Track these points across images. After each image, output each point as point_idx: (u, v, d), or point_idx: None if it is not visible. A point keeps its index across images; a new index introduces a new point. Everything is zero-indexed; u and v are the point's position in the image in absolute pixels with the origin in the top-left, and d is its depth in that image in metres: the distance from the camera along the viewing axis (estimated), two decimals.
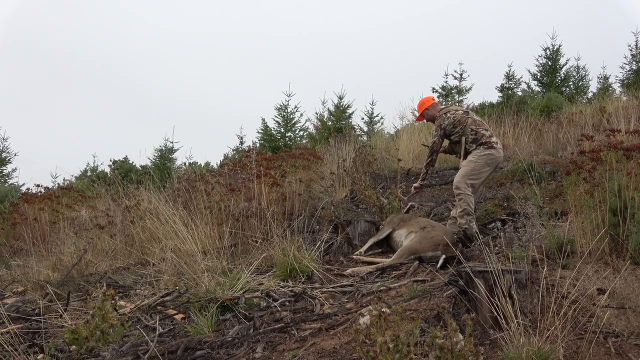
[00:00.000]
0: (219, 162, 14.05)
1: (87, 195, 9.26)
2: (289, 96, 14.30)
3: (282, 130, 14.36)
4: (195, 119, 39.10)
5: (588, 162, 3.74)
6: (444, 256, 4.37)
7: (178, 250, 4.36)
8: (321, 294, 3.83)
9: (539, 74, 14.95)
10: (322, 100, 14.93)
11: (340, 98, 14.56)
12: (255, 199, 5.54)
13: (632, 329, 2.54)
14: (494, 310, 2.49)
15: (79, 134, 34.16)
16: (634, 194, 3.49)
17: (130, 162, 14.26)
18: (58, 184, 12.80)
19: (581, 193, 3.69)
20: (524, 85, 15.02)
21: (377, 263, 4.63)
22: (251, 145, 12.80)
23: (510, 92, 14.41)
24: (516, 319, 2.38)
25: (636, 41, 14.47)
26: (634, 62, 14.55)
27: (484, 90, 29.24)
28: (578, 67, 15.00)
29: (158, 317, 3.64)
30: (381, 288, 3.83)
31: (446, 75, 14.06)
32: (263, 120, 14.35)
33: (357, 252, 5.10)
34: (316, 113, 14.87)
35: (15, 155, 14.87)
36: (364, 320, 2.00)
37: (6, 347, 2.98)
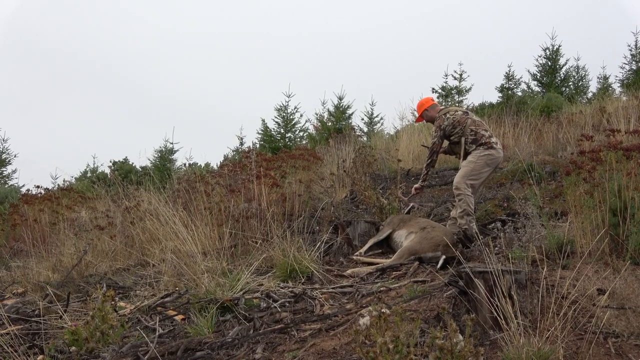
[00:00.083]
0: (218, 163, 14.06)
1: (87, 196, 9.26)
2: (288, 97, 14.33)
3: (282, 131, 14.36)
4: (195, 119, 39.14)
5: (588, 162, 3.74)
6: (444, 257, 4.37)
7: (178, 251, 4.36)
8: (321, 294, 3.83)
9: (538, 74, 14.96)
10: (322, 101, 14.96)
11: (340, 99, 14.58)
12: (255, 199, 5.54)
13: (632, 330, 2.54)
14: (493, 310, 2.49)
15: (79, 134, 34.20)
16: (634, 194, 3.49)
17: (130, 163, 14.28)
18: (58, 185, 12.82)
19: (581, 193, 3.69)
20: (523, 86, 15.05)
21: (377, 264, 4.63)
22: (251, 146, 12.82)
23: (510, 92, 14.42)
24: (516, 319, 2.38)
25: (636, 41, 14.50)
26: (633, 62, 14.56)
27: (483, 91, 29.33)
28: (578, 67, 15.03)
29: (158, 318, 3.63)
30: (381, 289, 3.83)
31: (446, 75, 14.07)
32: (263, 120, 14.38)
33: (357, 253, 5.10)
34: (316, 114, 14.90)
35: (15, 156, 14.89)
36: (364, 321, 2.00)
37: (6, 348, 2.98)
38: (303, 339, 2.99)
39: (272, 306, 3.63)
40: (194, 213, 5.14)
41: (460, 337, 1.92)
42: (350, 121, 14.29)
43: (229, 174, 6.78)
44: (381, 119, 15.57)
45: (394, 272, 4.39)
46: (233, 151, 15.15)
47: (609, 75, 15.40)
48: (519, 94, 14.46)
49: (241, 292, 3.77)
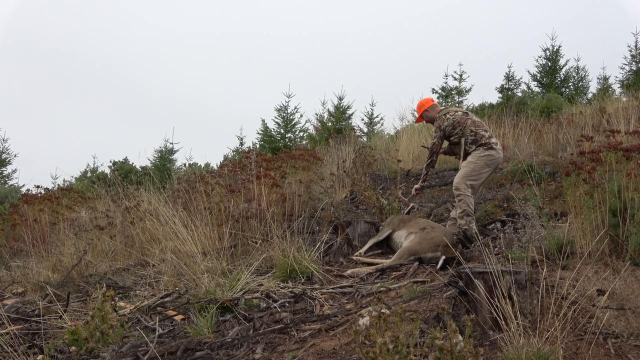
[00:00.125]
0: (218, 163, 14.06)
1: (87, 196, 9.25)
2: (288, 97, 14.33)
3: (282, 131, 14.37)
4: (195, 119, 39.16)
5: (588, 163, 3.74)
6: (443, 257, 4.37)
7: (178, 251, 4.36)
8: (321, 295, 3.83)
9: (538, 75, 14.97)
10: (322, 101, 14.96)
11: (340, 99, 14.58)
12: (255, 200, 5.54)
13: (631, 330, 2.54)
14: (493, 311, 2.49)
15: (79, 134, 34.21)
16: (634, 195, 3.49)
17: (130, 163, 14.29)
18: (58, 185, 12.82)
19: (581, 194, 3.69)
20: (523, 86, 15.07)
21: (377, 264, 4.63)
22: (251, 146, 12.82)
23: (510, 92, 14.43)
24: (516, 320, 2.38)
25: (636, 42, 14.51)
26: (633, 63, 14.56)
27: (483, 91, 29.33)
28: (578, 67, 15.04)
29: (158, 318, 3.63)
30: (381, 289, 3.83)
31: (446, 76, 14.08)
32: (263, 121, 14.38)
33: (356, 253, 5.10)
34: (316, 114, 14.91)
35: (15, 156, 14.87)
36: (364, 321, 2.00)
37: (6, 348, 2.98)
38: (303, 339, 3.00)
39: (272, 306, 3.63)
40: (194, 213, 5.14)
41: (460, 337, 1.92)
42: (350, 121, 14.31)
43: (229, 174, 6.78)
44: (381, 119, 15.60)
45: (393, 273, 4.39)
46: (233, 151, 15.16)
47: (609, 76, 15.44)
48: (519, 94, 14.47)
49: (241, 292, 3.77)
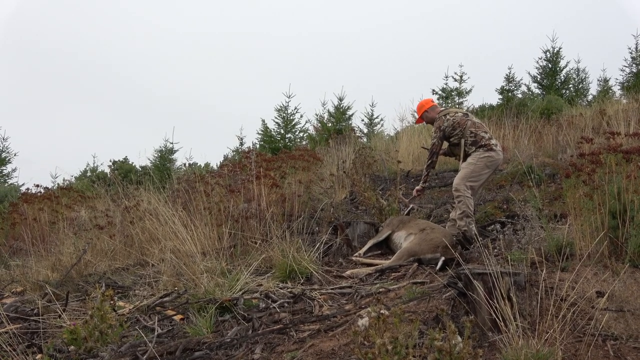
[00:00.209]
0: (218, 163, 14.06)
1: (86, 195, 9.25)
2: (289, 97, 14.33)
3: (282, 132, 14.37)
4: (195, 119, 39.17)
5: (588, 165, 3.74)
6: (443, 258, 4.37)
7: (177, 251, 4.36)
8: (320, 295, 3.83)
9: (539, 77, 14.98)
10: (322, 102, 14.97)
11: (340, 99, 14.59)
12: (255, 200, 5.54)
13: (630, 332, 2.54)
14: (492, 312, 2.49)
15: (78, 134, 34.22)
16: (634, 197, 3.49)
17: (130, 162, 14.28)
18: (58, 184, 12.82)
19: (580, 196, 3.69)
20: (524, 88, 15.09)
21: (377, 265, 4.63)
22: (251, 146, 12.81)
23: (510, 94, 14.44)
24: (515, 321, 2.38)
25: (636, 44, 14.51)
26: (634, 65, 14.57)
27: (484, 93, 29.37)
28: (578, 69, 15.05)
29: (157, 317, 3.63)
30: (380, 290, 3.83)
31: (446, 77, 14.09)
32: (263, 121, 14.38)
33: (356, 254, 5.10)
34: (316, 114, 14.91)
35: (15, 155, 14.88)
36: (363, 321, 2.00)
37: (5, 347, 2.98)
38: (302, 339, 2.99)
39: (271, 306, 3.63)
40: (194, 213, 5.14)
41: (459, 338, 1.92)
42: (350, 122, 14.31)
43: (229, 174, 6.78)
44: (381, 120, 15.63)
45: (393, 273, 4.39)
46: (233, 151, 15.17)
47: (609, 78, 15.45)
48: (519, 96, 14.49)
49: (240, 293, 3.77)
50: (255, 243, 4.89)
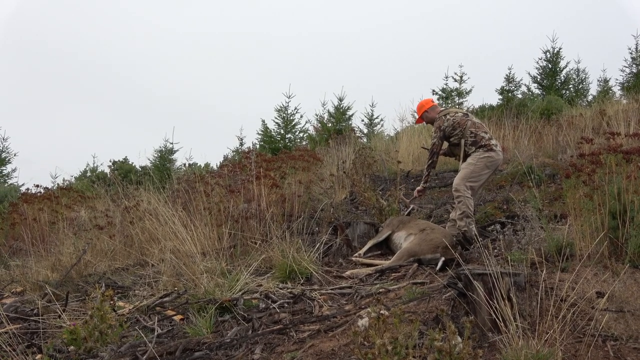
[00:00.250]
0: (218, 163, 14.06)
1: (86, 195, 9.24)
2: (289, 97, 14.33)
3: (282, 132, 14.37)
4: (195, 119, 39.17)
5: (588, 165, 3.74)
6: (443, 258, 4.37)
7: (177, 251, 4.36)
8: (320, 295, 3.83)
9: (539, 77, 14.98)
10: (322, 102, 14.97)
11: (340, 100, 14.59)
12: (255, 200, 5.53)
13: (630, 333, 2.54)
14: (492, 313, 2.49)
15: (78, 134, 34.21)
16: (634, 197, 3.49)
17: (130, 162, 14.29)
18: (58, 184, 12.82)
19: (581, 196, 3.69)
20: (524, 88, 15.09)
21: (376, 265, 4.63)
22: (251, 147, 12.81)
23: (510, 94, 14.45)
24: (515, 321, 2.38)
25: (636, 44, 14.51)
26: (634, 65, 14.57)
27: (484, 93, 29.38)
28: (578, 70, 15.05)
29: (157, 318, 3.63)
30: (380, 290, 3.82)
31: (446, 77, 14.10)
32: (263, 121, 14.38)
33: (356, 254, 5.10)
34: (316, 115, 14.91)
35: (15, 155, 14.87)
36: (363, 322, 2.00)
37: (4, 347, 2.98)
38: (302, 339, 2.99)
39: (271, 307, 3.63)
40: (194, 213, 5.14)
41: (459, 339, 1.92)
42: (350, 122, 14.31)
43: (229, 174, 6.78)
44: (381, 120, 15.62)
45: (393, 274, 4.39)
46: (233, 151, 15.17)
47: (610, 78, 15.45)
48: (519, 96, 14.49)
49: (240, 293, 3.77)
50: (255, 243, 4.89)
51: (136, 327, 3.50)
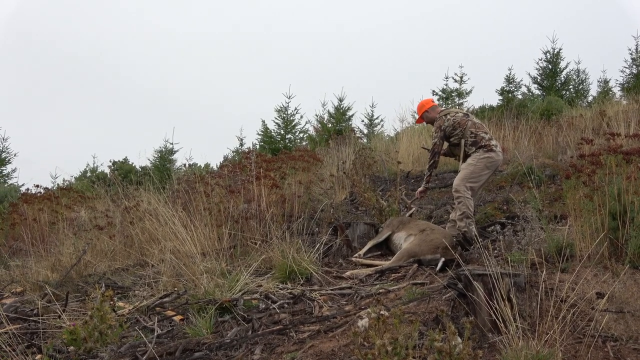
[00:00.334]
0: (218, 164, 14.06)
1: (86, 196, 9.24)
2: (289, 98, 14.34)
3: (282, 132, 14.37)
4: (195, 120, 39.17)
5: (588, 166, 3.74)
6: (443, 259, 4.36)
7: (177, 251, 4.36)
8: (320, 296, 3.82)
9: (539, 78, 14.99)
10: (322, 103, 14.98)
11: (340, 100, 14.60)
12: (255, 200, 5.53)
13: (630, 333, 2.54)
14: (492, 313, 2.49)
15: (79, 134, 34.18)
16: (634, 198, 3.49)
17: (130, 163, 14.29)
18: (58, 184, 12.82)
19: (581, 197, 3.69)
20: (524, 89, 15.11)
21: (376, 265, 4.63)
22: (251, 147, 12.81)
23: (510, 95, 14.46)
24: (515, 322, 2.38)
25: (636, 45, 14.51)
26: (634, 66, 14.57)
27: (484, 93, 29.36)
28: (578, 70, 15.07)
29: (156, 318, 3.63)
30: (380, 291, 3.82)
31: (446, 78, 14.12)
32: (263, 122, 14.39)
33: (356, 255, 5.10)
34: (316, 115, 14.91)
35: (15, 155, 14.87)
36: (363, 322, 2.00)
37: (4, 347, 2.98)
38: (301, 340, 2.99)
39: (271, 307, 3.63)
40: (194, 213, 5.14)
41: (459, 339, 1.92)
42: (350, 123, 14.32)
43: (229, 174, 6.78)
44: (381, 120, 15.63)
45: (393, 274, 4.39)
46: (233, 152, 15.17)
47: (610, 79, 15.46)
48: (520, 97, 14.50)
49: (240, 293, 3.77)
50: (255, 244, 4.89)
51: (136, 328, 3.50)
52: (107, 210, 7.09)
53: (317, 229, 5.57)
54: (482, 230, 5.22)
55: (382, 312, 1.98)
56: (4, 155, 14.64)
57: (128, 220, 5.84)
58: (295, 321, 3.31)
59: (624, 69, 14.75)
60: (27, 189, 10.72)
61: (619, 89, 14.84)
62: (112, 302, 3.40)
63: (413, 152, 9.86)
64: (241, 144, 15.03)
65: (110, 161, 15.90)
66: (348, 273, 4.49)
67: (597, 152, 3.83)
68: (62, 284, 4.67)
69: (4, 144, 14.67)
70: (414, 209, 5.81)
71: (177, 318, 3.68)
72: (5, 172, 14.73)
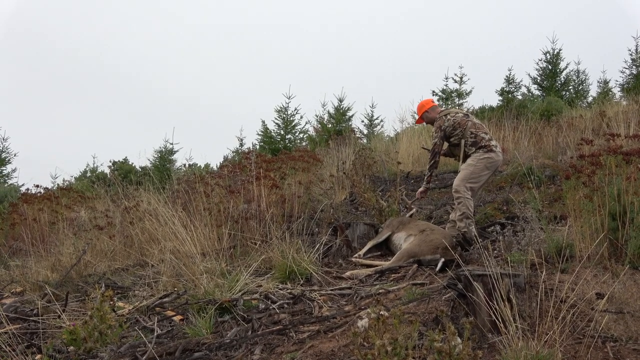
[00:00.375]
0: (218, 164, 14.06)
1: (86, 196, 9.24)
2: (289, 98, 14.34)
3: (282, 133, 14.37)
4: (195, 119, 39.16)
5: (587, 167, 3.75)
6: (442, 259, 4.37)
7: (177, 251, 4.36)
8: (320, 296, 3.83)
9: (539, 78, 15.00)
10: (322, 103, 14.99)
11: (340, 101, 14.60)
12: (255, 201, 5.54)
13: (630, 334, 2.54)
14: (492, 314, 2.49)
15: (78, 134, 34.18)
16: (633, 199, 3.49)
17: (130, 163, 14.29)
18: (57, 184, 12.83)
19: (580, 197, 3.69)
20: (524, 89, 15.11)
21: (376, 266, 4.63)
22: (251, 147, 12.81)
23: (510, 95, 14.46)
24: (515, 323, 2.38)
25: (636, 45, 14.50)
26: (634, 67, 14.57)
27: (484, 94, 29.30)
28: (578, 71, 15.07)
29: (156, 318, 3.63)
30: (380, 291, 3.82)
31: (446, 78, 14.12)
32: (263, 122, 14.39)
33: (356, 255, 5.10)
34: (316, 115, 14.92)
35: (15, 155, 14.87)
36: (363, 323, 2.01)
37: (4, 347, 2.98)
38: (301, 340, 2.99)
39: (271, 307, 3.63)
40: (193, 214, 5.14)
41: (459, 340, 1.92)
42: (350, 123, 14.32)
43: (229, 174, 6.78)
44: (381, 121, 15.62)
45: (392, 275, 4.39)
46: (233, 152, 15.17)
47: (609, 80, 15.46)
48: (519, 97, 14.50)
49: (240, 293, 3.77)
50: (255, 244, 4.89)
51: (136, 328, 3.50)
52: (107, 210, 7.09)
53: (317, 229, 5.57)
54: (482, 230, 5.22)
55: (381, 312, 1.98)
56: (4, 155, 14.65)
57: (128, 221, 5.84)
58: (295, 321, 3.32)
59: (624, 69, 14.77)
60: (27, 189, 10.73)
61: (619, 89, 14.86)
62: (112, 302, 3.40)
63: (413, 152, 9.86)
64: (241, 144, 15.05)
65: (110, 161, 15.90)
66: (348, 273, 4.49)
67: (597, 152, 3.84)
68: (62, 284, 4.67)
69: (4, 144, 14.68)
70: (414, 209, 5.81)
71: (177, 318, 3.68)
72: (5, 172, 14.73)
